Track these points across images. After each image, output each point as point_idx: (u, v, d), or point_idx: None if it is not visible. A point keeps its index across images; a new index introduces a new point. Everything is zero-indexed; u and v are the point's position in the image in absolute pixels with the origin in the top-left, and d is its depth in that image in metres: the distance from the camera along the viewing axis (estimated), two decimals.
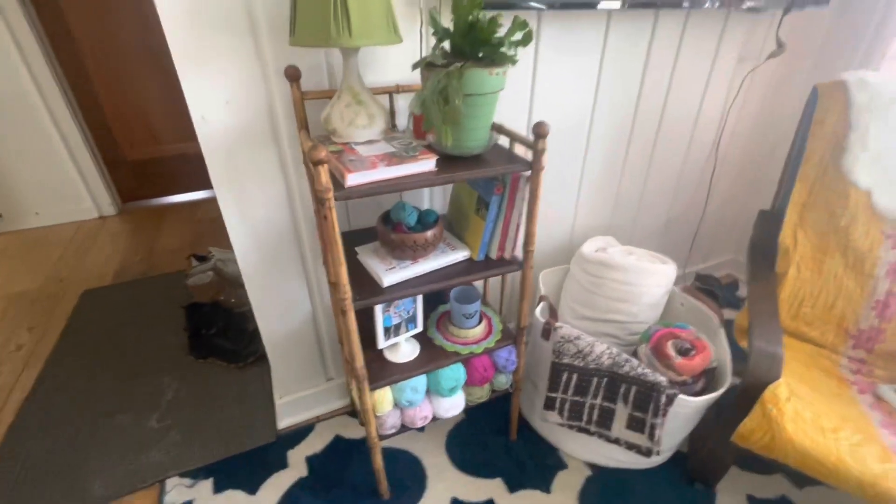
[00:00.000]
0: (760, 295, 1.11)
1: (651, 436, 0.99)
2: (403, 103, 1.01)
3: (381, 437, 1.03)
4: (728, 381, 1.02)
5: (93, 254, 2.25)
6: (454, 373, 1.03)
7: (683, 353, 1.07)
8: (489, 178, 0.89)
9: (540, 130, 0.79)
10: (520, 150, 0.92)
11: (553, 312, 1.18)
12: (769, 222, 1.28)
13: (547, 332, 1.13)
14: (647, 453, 1.02)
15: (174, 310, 1.77)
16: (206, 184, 2.87)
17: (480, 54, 0.77)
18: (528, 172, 0.85)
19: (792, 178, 1.22)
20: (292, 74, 0.84)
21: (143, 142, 2.64)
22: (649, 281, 1.20)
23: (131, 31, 2.32)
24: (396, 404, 1.02)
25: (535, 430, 1.31)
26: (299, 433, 1.30)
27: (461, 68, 0.71)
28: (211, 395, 1.43)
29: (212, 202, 2.79)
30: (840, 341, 1.17)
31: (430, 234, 0.89)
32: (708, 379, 1.07)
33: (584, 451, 1.23)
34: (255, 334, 1.61)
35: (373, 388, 0.95)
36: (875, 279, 1.12)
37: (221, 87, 0.86)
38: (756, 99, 1.58)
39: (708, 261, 1.98)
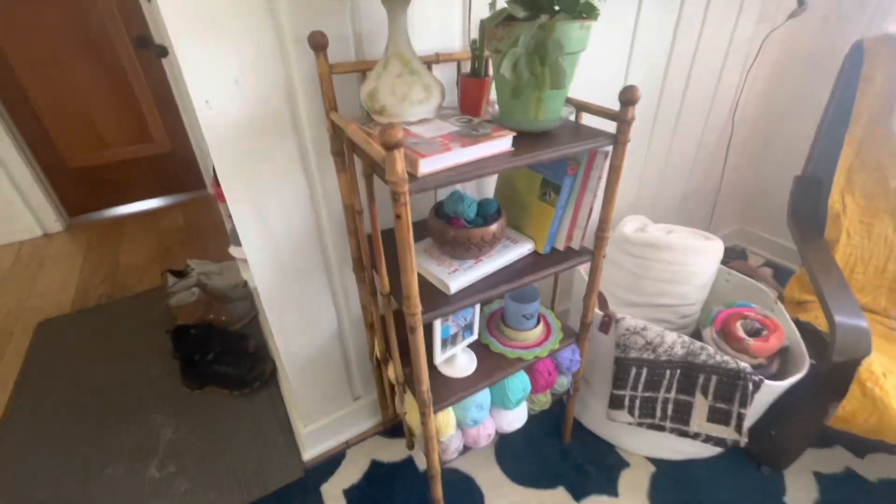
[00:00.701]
0: (821, 265, 1.06)
1: (738, 427, 0.92)
2: (440, 75, 0.86)
3: (443, 464, 0.90)
4: (806, 360, 0.95)
5: (43, 278, 1.95)
6: (521, 381, 0.91)
7: (754, 333, 1.00)
8: (564, 157, 0.76)
9: (630, 96, 0.67)
10: (589, 121, 0.80)
11: (605, 303, 1.08)
12: (807, 188, 1.24)
13: (606, 324, 1.03)
14: (733, 445, 0.95)
15: (155, 335, 1.55)
16: (164, 189, 2.56)
17: (556, 6, 0.64)
18: (610, 147, 0.73)
19: (830, 139, 1.17)
20: (319, 42, 0.67)
21: (87, 147, 2.32)
22: (700, 260, 1.12)
23: (64, 19, 2.00)
24: (459, 425, 0.89)
25: (587, 429, 1.22)
26: (330, 463, 1.15)
27: (553, 20, 0.58)
28: (217, 430, 1.24)
29: (174, 209, 2.50)
30: (892, 305, 1.14)
31: (495, 227, 0.75)
32: (782, 360, 1.00)
33: (643, 445, 1.15)
34: (256, 354, 1.42)
35: (436, 411, 0.82)
36: None
37: (230, 63, 0.68)
38: (767, 65, 1.53)
39: (716, 233, 1.95)
